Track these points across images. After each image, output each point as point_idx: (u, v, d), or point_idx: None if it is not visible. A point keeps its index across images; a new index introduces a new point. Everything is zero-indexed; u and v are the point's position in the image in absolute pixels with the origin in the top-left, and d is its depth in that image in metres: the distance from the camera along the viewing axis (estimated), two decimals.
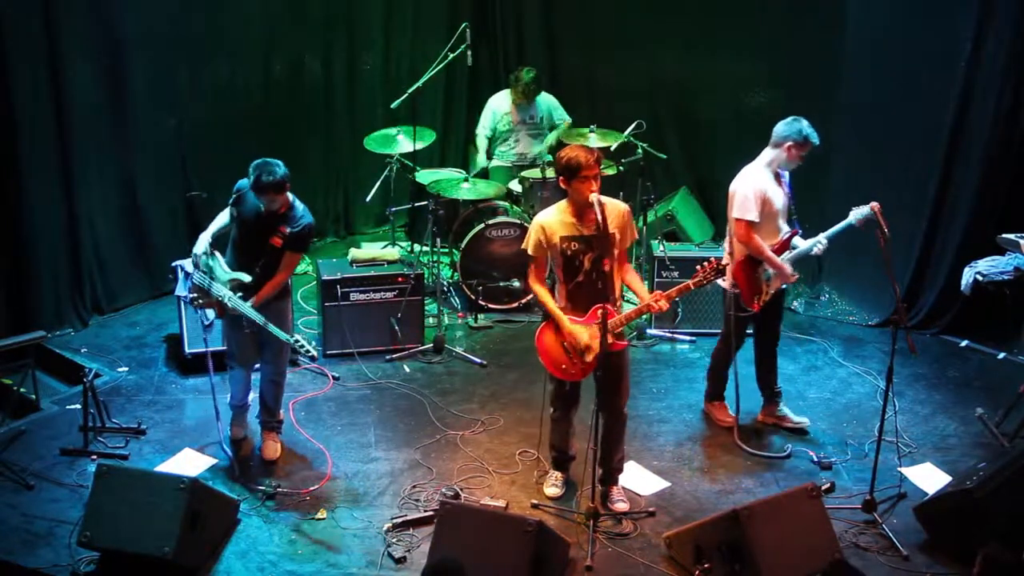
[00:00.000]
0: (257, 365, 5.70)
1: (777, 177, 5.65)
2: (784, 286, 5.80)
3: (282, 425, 5.77)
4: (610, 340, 4.84)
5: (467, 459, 5.69)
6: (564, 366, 5.03)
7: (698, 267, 4.95)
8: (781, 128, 5.57)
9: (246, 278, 5.28)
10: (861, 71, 7.41)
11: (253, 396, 5.85)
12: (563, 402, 5.24)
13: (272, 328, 5.18)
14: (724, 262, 5.29)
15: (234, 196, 5.39)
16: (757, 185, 5.55)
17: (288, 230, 5.26)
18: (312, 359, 5.21)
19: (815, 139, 5.54)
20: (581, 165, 4.77)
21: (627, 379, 5.13)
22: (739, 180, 5.62)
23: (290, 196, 5.30)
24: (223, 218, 5.47)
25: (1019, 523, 4.57)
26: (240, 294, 5.26)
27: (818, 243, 5.69)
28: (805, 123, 5.53)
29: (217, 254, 5.38)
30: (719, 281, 5.60)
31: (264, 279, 5.29)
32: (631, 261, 7.78)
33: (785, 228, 5.70)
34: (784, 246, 5.69)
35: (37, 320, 6.70)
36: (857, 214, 5.53)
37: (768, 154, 5.63)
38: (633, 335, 7.16)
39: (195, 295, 5.41)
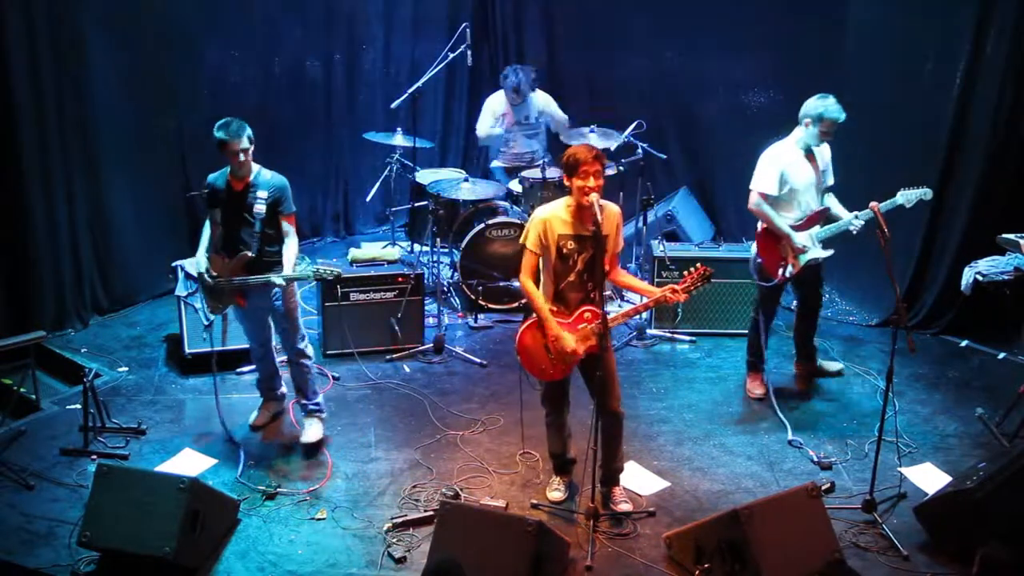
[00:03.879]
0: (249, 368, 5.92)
1: (809, 154, 5.85)
2: (818, 260, 5.99)
3: (319, 410, 5.84)
4: (595, 343, 4.86)
5: (467, 459, 5.69)
6: (543, 367, 5.03)
7: (686, 272, 4.98)
8: (805, 105, 5.80)
9: (250, 254, 5.43)
10: (861, 70, 7.41)
11: (286, 391, 6.08)
12: (551, 403, 5.21)
13: (285, 277, 5.35)
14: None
15: (207, 193, 5.54)
16: (778, 159, 5.82)
17: (267, 195, 5.42)
18: (338, 277, 5.38)
19: (831, 115, 5.72)
20: (579, 161, 4.77)
21: (616, 380, 5.08)
22: (764, 153, 5.88)
23: (254, 164, 5.47)
24: (208, 230, 5.59)
25: (1019, 523, 4.57)
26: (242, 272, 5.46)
27: (851, 222, 5.86)
28: (829, 100, 5.72)
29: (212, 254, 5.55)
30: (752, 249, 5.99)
31: (265, 247, 5.46)
32: (632, 262, 7.88)
33: (813, 205, 5.92)
34: (810, 221, 5.89)
35: (37, 320, 6.70)
36: (906, 196, 5.75)
37: (795, 131, 5.88)
38: (633, 335, 7.17)
39: (212, 303, 5.57)
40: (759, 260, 6.00)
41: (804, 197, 5.91)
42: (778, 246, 5.94)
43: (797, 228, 5.91)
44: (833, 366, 6.63)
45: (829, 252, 6.03)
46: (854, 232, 5.90)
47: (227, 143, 5.30)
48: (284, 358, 5.91)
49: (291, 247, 5.49)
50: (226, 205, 5.50)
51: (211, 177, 5.56)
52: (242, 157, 5.35)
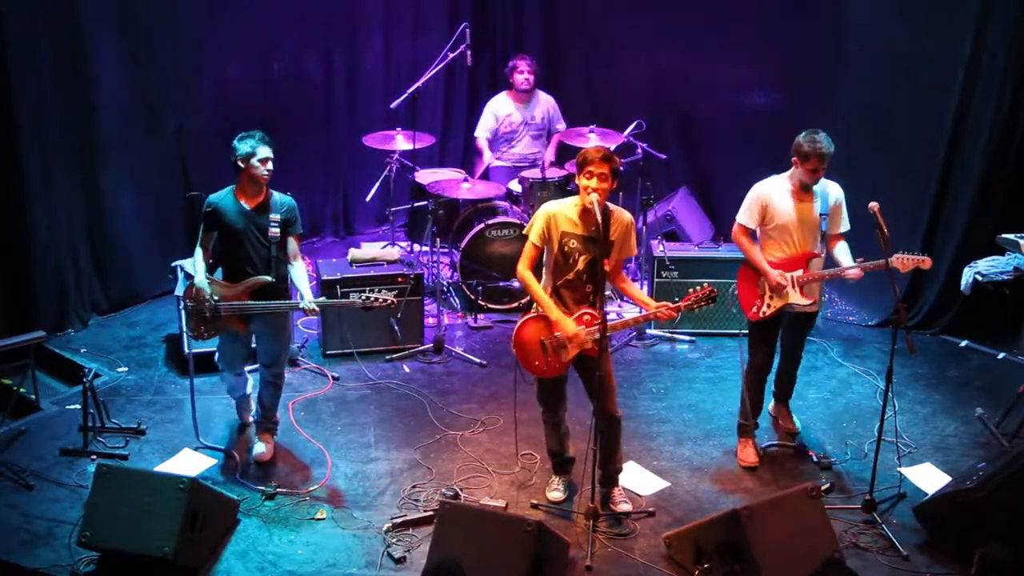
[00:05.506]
0: (250, 368, 5.83)
1: (803, 190, 5.39)
2: (794, 306, 5.48)
3: (278, 426, 5.75)
4: (591, 345, 4.86)
5: (467, 459, 5.69)
6: (537, 362, 5.02)
7: (690, 290, 4.94)
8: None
9: (269, 279, 5.31)
10: (861, 71, 7.41)
11: (252, 384, 5.93)
12: (545, 402, 5.21)
13: (320, 303, 5.38)
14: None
15: (207, 215, 5.34)
16: (762, 192, 5.44)
17: (279, 217, 5.32)
18: (391, 305, 5.30)
19: (809, 148, 5.21)
20: (586, 160, 4.80)
21: (612, 382, 5.05)
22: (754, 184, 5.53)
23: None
24: (201, 257, 5.37)
25: (1019, 523, 4.57)
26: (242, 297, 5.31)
27: (850, 268, 5.34)
28: (816, 135, 5.22)
29: (211, 277, 5.38)
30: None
31: (279, 271, 5.36)
32: (631, 262, 7.88)
33: (806, 247, 5.45)
34: (792, 263, 5.44)
35: (37, 320, 6.69)
36: (900, 262, 5.15)
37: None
38: (632, 335, 7.17)
39: (203, 329, 5.34)
40: (734, 292, 5.65)
41: (792, 237, 5.42)
42: (756, 283, 5.53)
43: (774, 266, 5.45)
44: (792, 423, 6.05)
45: (806, 301, 5.44)
46: (853, 278, 5.37)
47: (257, 151, 5.18)
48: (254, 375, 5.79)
49: (302, 269, 5.44)
50: (236, 227, 5.29)
51: (213, 197, 5.35)
52: (270, 166, 5.23)
